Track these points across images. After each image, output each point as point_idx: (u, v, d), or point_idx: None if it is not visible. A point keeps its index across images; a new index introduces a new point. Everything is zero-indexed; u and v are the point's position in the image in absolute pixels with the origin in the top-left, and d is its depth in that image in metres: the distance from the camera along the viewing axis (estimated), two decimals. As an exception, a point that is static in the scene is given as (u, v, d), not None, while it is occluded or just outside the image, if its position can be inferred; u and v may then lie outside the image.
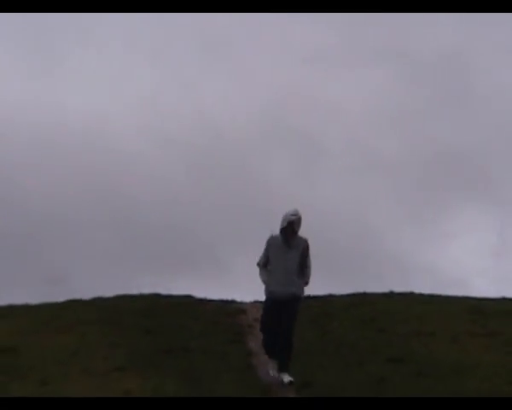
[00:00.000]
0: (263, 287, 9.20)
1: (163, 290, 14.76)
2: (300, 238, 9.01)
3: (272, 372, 9.09)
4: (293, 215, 8.87)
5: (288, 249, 8.92)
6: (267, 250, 9.09)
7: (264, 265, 9.11)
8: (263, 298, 9.34)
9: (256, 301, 13.51)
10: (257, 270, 9.25)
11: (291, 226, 8.85)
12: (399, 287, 15.09)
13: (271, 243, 9.08)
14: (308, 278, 9.10)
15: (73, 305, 13.51)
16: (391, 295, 14.54)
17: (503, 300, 14.12)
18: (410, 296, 14.48)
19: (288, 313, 8.91)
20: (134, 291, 14.60)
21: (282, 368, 9.01)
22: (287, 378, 8.92)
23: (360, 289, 15.08)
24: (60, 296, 14.16)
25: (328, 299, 14.46)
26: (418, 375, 8.98)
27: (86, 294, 14.40)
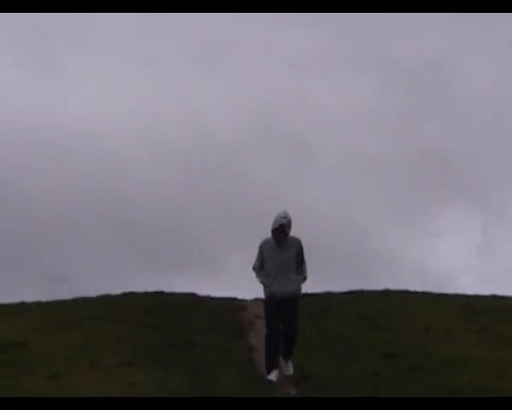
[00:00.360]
0: (261, 287, 9.22)
1: (166, 288, 14.79)
2: (293, 238, 9.00)
3: (271, 377, 8.94)
4: (283, 218, 8.85)
5: (281, 249, 8.92)
6: (261, 253, 9.07)
7: (260, 268, 9.10)
8: (262, 295, 9.38)
9: (257, 299, 13.54)
10: (253, 274, 9.25)
11: (282, 228, 8.85)
12: (386, 285, 15.11)
13: (264, 246, 9.06)
14: (306, 274, 9.12)
15: (81, 302, 13.54)
16: (386, 293, 14.57)
17: (493, 297, 14.15)
18: (404, 294, 14.51)
19: (291, 312, 8.93)
20: (139, 289, 14.64)
21: (287, 356, 9.07)
22: (288, 371, 8.97)
23: (354, 287, 15.10)
24: (62, 294, 14.21)
25: (326, 296, 14.48)
26: (412, 369, 9.00)
27: (87, 292, 14.46)
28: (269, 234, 9.02)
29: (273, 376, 8.98)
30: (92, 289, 16.11)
